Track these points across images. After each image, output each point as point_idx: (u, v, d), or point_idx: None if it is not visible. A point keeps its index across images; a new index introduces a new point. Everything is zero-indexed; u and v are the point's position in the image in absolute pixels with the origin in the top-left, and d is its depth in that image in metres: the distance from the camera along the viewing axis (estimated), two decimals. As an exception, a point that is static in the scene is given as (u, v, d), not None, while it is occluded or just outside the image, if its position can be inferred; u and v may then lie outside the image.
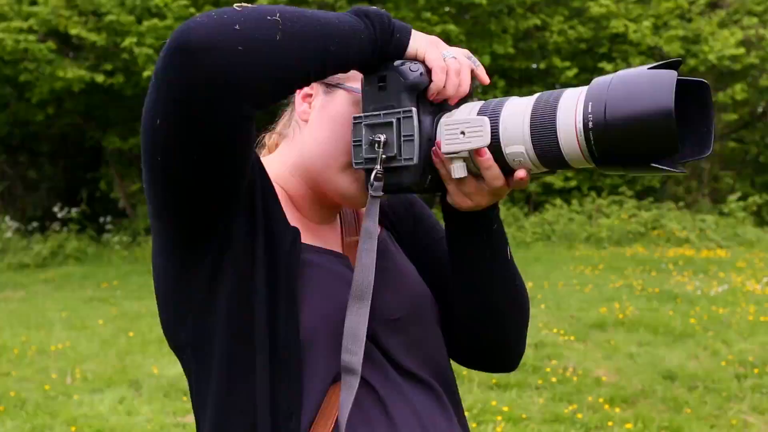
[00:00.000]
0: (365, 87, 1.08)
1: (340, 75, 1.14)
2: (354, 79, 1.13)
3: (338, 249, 1.22)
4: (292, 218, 1.14)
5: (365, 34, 1.01)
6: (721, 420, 4.24)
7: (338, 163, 1.13)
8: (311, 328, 1.07)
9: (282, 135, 1.25)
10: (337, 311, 1.09)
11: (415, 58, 1.05)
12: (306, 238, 1.14)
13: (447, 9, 12.60)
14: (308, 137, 1.16)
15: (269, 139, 1.27)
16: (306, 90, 1.17)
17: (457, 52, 1.08)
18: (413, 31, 1.07)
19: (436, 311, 1.25)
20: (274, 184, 1.13)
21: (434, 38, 1.09)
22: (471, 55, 1.10)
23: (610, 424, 4.18)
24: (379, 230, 1.22)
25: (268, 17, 0.94)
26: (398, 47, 1.05)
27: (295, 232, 1.09)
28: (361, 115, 1.07)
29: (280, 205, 1.10)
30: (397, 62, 1.05)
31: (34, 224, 13.26)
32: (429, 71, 1.05)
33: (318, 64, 0.99)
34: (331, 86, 1.16)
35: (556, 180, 13.45)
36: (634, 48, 13.22)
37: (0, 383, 5.24)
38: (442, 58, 1.05)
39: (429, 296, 1.25)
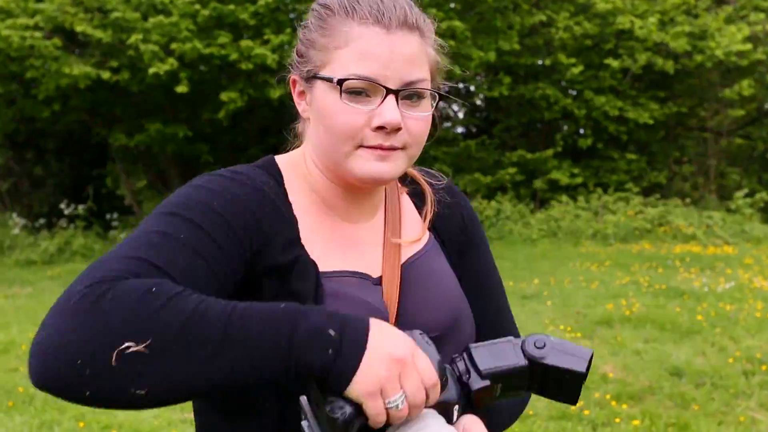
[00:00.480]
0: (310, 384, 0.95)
1: (314, 61, 1.11)
2: (328, 64, 1.09)
3: (377, 254, 1.20)
4: (329, 226, 1.16)
5: (280, 372, 0.88)
6: (728, 417, 4.23)
7: (343, 152, 1.10)
8: None
9: (302, 129, 1.24)
10: None
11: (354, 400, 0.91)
12: (334, 258, 1.15)
13: (452, 5, 12.57)
14: (313, 134, 1.16)
15: (300, 127, 1.25)
16: (299, 88, 1.15)
17: (414, 389, 0.92)
18: (359, 372, 0.89)
19: (472, 326, 1.24)
20: (308, 192, 1.16)
21: (387, 377, 0.91)
22: (437, 383, 0.94)
23: (617, 420, 4.17)
24: (427, 237, 1.25)
25: (134, 392, 0.83)
26: (335, 387, 0.91)
27: (316, 274, 1.09)
28: (307, 415, 0.95)
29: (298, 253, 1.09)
30: (328, 403, 0.91)
31: (41, 221, 13.31)
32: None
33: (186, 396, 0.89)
34: (310, 80, 1.12)
35: (562, 176, 13.43)
36: (640, 44, 13.18)
37: (8, 379, 5.26)
38: (384, 411, 0.91)
39: (467, 310, 1.24)
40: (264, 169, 1.17)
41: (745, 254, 9.93)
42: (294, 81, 1.16)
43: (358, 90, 1.07)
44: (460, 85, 14.68)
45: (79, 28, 11.08)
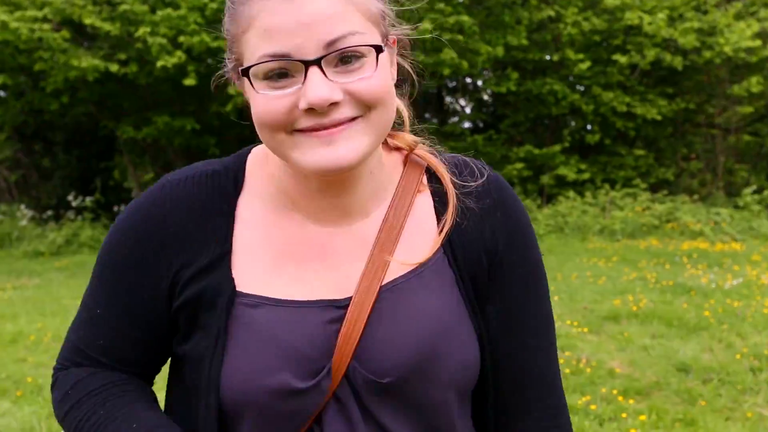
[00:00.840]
0: None
1: (233, 54, 0.96)
2: (243, 54, 0.93)
3: (356, 268, 1.00)
4: (292, 233, 1.01)
5: None
6: (735, 413, 4.22)
7: (277, 142, 0.94)
8: (233, 403, 0.97)
9: None
10: (258, 388, 0.95)
11: None
12: (282, 277, 1.00)
13: (461, 0, 12.54)
14: None
15: None
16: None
17: None
18: None
19: (462, 367, 1.00)
20: (273, 193, 1.02)
21: None
22: None
23: (623, 415, 4.17)
24: (429, 255, 1.00)
25: None
26: None
27: (227, 304, 0.98)
28: None
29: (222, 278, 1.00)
30: None
31: (49, 213, 13.37)
32: None
33: None
34: (239, 75, 0.95)
35: (569, 172, 13.41)
36: (648, 40, 13.13)
37: (17, 369, 5.28)
38: None
39: (456, 348, 0.99)
40: (216, 176, 1.04)
41: (753, 251, 9.90)
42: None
43: (277, 72, 0.89)
44: (467, 80, 14.65)
45: (87, 21, 11.09)
